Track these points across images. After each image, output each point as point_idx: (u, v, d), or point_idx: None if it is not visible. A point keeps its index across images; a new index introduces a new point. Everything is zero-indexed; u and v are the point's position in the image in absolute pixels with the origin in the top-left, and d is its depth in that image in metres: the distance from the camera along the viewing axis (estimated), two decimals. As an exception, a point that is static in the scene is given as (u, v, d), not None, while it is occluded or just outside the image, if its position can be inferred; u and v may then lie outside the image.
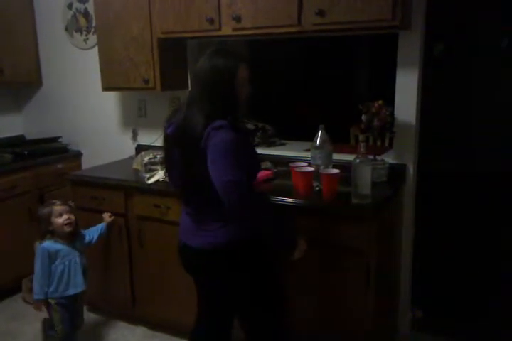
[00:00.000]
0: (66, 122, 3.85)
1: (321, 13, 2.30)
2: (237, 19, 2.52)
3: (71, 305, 2.64)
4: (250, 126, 3.13)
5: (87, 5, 3.50)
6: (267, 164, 2.77)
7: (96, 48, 3.22)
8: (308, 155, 2.61)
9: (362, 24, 2.28)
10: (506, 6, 2.52)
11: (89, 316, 3.07)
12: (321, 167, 2.40)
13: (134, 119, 3.53)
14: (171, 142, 1.97)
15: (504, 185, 2.69)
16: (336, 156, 2.54)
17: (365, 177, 2.19)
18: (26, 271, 3.20)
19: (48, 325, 2.67)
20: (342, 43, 4.52)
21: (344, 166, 2.37)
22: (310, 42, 3.83)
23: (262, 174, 2.63)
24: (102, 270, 3.01)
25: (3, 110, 3.95)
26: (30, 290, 3.25)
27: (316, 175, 2.37)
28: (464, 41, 2.64)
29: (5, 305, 3.37)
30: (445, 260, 2.96)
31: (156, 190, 2.67)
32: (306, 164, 2.48)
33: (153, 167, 2.82)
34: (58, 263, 2.58)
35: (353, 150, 2.40)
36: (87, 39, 3.57)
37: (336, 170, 2.30)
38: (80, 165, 3.81)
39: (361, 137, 2.28)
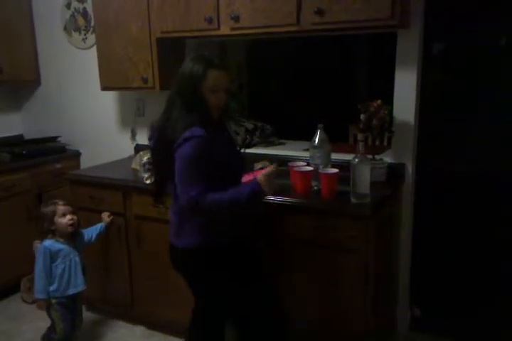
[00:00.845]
0: (65, 122, 3.85)
1: (320, 12, 2.30)
2: (236, 19, 2.52)
3: (71, 305, 2.64)
4: (249, 125, 3.13)
5: (85, 4, 3.50)
6: (265, 163, 2.77)
7: (94, 48, 3.22)
8: (307, 154, 2.61)
9: (361, 23, 2.28)
10: (505, 5, 2.52)
11: (87, 315, 3.07)
12: (320, 166, 2.40)
13: (132, 119, 3.53)
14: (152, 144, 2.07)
15: (504, 185, 2.69)
16: (335, 156, 2.54)
17: (364, 177, 2.19)
18: (25, 270, 3.21)
19: (48, 328, 2.67)
20: (341, 42, 4.52)
21: (343, 166, 2.36)
22: (309, 41, 3.83)
23: (259, 172, 2.63)
24: (101, 269, 3.01)
25: (2, 109, 3.94)
26: (29, 289, 3.26)
27: (314, 174, 2.37)
28: (463, 40, 2.63)
29: (3, 304, 3.36)
30: (444, 259, 2.95)
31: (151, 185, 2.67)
32: (305, 163, 2.48)
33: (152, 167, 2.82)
34: (59, 262, 2.58)
35: (351, 150, 2.40)
36: (86, 38, 3.56)
37: (334, 170, 2.30)
38: (78, 165, 3.80)
39: (360, 136, 2.28)
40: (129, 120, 3.55)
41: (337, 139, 2.75)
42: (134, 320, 3.05)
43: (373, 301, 2.27)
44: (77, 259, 2.63)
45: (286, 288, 2.41)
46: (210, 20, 2.61)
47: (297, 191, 2.37)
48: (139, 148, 3.37)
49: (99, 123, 3.67)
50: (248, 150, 2.46)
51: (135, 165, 2.97)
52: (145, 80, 2.97)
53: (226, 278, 2.04)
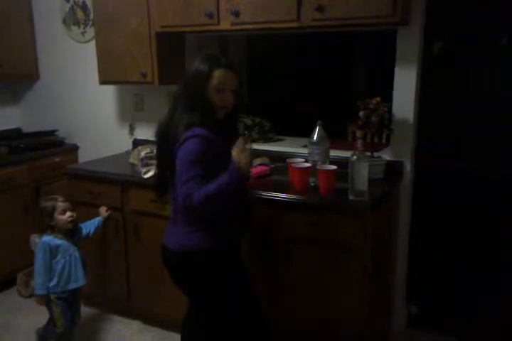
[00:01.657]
0: (63, 115, 3.84)
1: (320, 8, 2.29)
2: (236, 14, 2.51)
3: (72, 299, 2.64)
4: (247, 121, 3.12)
5: (85, -2, 3.48)
6: (264, 159, 2.77)
7: (94, 41, 3.21)
8: (305, 151, 2.61)
9: (362, 20, 2.27)
10: (506, 4, 2.52)
11: (84, 310, 3.06)
12: (318, 163, 2.40)
13: (131, 114, 3.52)
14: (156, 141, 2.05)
15: (502, 183, 2.69)
16: (333, 152, 2.54)
17: (362, 174, 2.19)
18: (22, 264, 3.21)
19: (47, 322, 2.67)
20: (341, 39, 4.51)
21: (341, 163, 2.36)
22: (308, 37, 3.82)
23: (258, 170, 2.64)
24: (98, 264, 3.01)
25: (0, 103, 3.93)
26: (26, 283, 3.26)
27: (313, 171, 2.37)
28: (464, 39, 2.63)
29: (0, 298, 3.36)
30: (441, 256, 2.96)
31: (153, 184, 2.66)
32: (303, 160, 2.48)
33: (150, 161, 2.81)
34: (59, 258, 2.57)
35: (350, 147, 2.40)
36: (85, 32, 3.55)
37: (332, 167, 2.30)
38: (76, 159, 3.79)
39: (359, 133, 2.28)
40: (127, 114, 3.55)
41: (336, 136, 2.75)
42: (130, 314, 3.05)
43: (371, 298, 2.27)
44: (77, 254, 2.63)
45: (282, 285, 2.42)
46: (210, 15, 2.59)
47: (295, 187, 2.37)
48: (137, 143, 3.36)
49: (97, 117, 3.66)
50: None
51: (133, 159, 2.96)
52: (144, 75, 2.95)
53: (225, 282, 2.01)
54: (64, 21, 3.63)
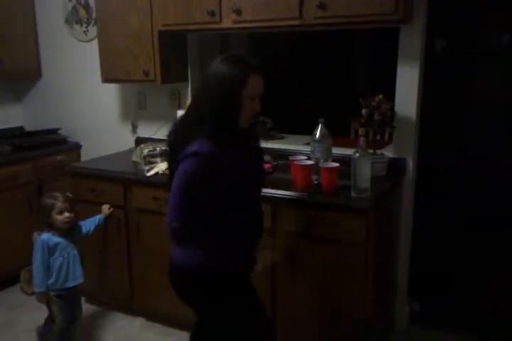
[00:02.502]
0: (65, 114, 3.84)
1: (322, 6, 2.29)
2: (238, 12, 2.51)
3: (70, 297, 2.65)
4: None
5: (87, -4, 3.49)
6: (266, 157, 2.77)
7: (96, 40, 3.21)
8: (307, 148, 2.61)
9: (364, 18, 2.27)
10: (507, 3, 2.52)
11: (87, 307, 3.08)
12: (321, 160, 2.40)
13: (133, 112, 3.53)
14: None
15: (504, 180, 2.70)
16: (336, 150, 2.54)
17: (365, 171, 2.20)
18: (25, 261, 3.21)
19: (46, 320, 2.68)
20: (343, 37, 4.52)
21: (344, 160, 2.37)
22: (311, 35, 3.82)
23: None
24: (101, 261, 3.02)
25: (3, 101, 3.94)
26: (29, 280, 3.27)
27: (315, 168, 2.37)
28: (466, 37, 2.63)
29: (3, 295, 3.38)
30: (443, 254, 2.97)
31: (155, 182, 2.67)
32: (306, 158, 2.48)
33: (153, 159, 2.82)
34: (57, 256, 2.58)
35: (352, 144, 2.40)
36: (87, 31, 3.55)
37: (335, 164, 2.30)
38: (79, 157, 3.80)
39: (361, 131, 2.29)
40: (129, 113, 3.55)
41: (338, 134, 2.75)
42: (133, 311, 3.06)
43: (373, 295, 2.28)
44: (76, 252, 2.64)
45: (285, 282, 2.42)
46: (212, 14, 2.60)
47: (297, 185, 2.37)
48: (139, 141, 3.37)
49: (100, 115, 3.67)
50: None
51: (136, 157, 2.97)
52: (146, 73, 2.96)
53: (230, 308, 1.85)
54: (66, 20, 3.64)
